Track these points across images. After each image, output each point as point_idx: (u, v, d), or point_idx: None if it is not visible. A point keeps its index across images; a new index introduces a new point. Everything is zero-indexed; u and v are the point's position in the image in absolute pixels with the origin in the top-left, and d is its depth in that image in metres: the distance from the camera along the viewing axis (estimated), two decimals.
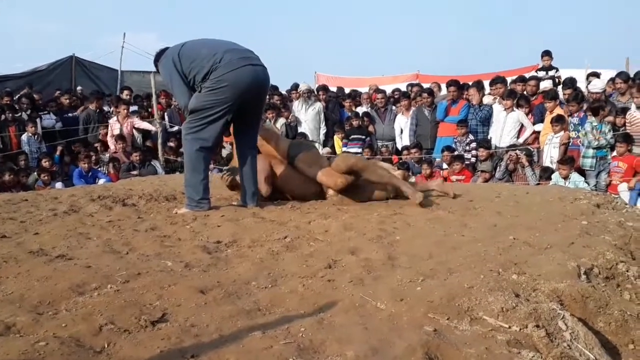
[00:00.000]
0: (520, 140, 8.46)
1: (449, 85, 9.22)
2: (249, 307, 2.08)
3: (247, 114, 4.32)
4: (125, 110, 10.07)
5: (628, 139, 7.36)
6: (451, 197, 4.70)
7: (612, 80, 8.71)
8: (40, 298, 2.15)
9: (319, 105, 10.17)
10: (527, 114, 8.58)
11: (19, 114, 10.11)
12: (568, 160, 7.47)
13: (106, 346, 1.74)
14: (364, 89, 12.27)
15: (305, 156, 4.74)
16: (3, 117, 9.85)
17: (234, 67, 4.03)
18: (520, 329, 1.85)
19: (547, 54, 10.27)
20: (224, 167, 5.85)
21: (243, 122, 4.39)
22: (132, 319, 1.93)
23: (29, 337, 1.77)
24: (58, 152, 9.87)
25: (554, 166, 7.80)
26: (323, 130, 10.15)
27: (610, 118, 7.68)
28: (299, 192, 4.76)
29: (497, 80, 9.28)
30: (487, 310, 1.97)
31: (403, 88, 11.60)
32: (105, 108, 11.03)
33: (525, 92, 8.99)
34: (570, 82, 8.98)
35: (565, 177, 7.34)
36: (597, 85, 8.62)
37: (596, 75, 9.80)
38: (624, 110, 7.70)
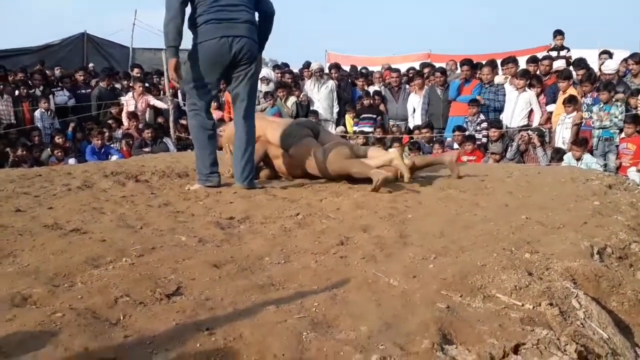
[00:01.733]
0: (534, 125, 8.39)
1: (462, 64, 9.15)
2: (262, 282, 2.09)
3: (235, 86, 4.30)
4: (141, 88, 10.10)
5: (637, 120, 7.27)
6: (456, 178, 4.63)
7: (625, 60, 8.59)
8: (56, 271, 2.17)
9: (331, 84, 10.11)
10: (538, 95, 8.49)
11: (33, 90, 10.16)
12: (581, 141, 7.40)
13: (122, 318, 1.75)
14: (374, 68, 12.16)
15: (296, 150, 4.60)
16: (17, 92, 9.90)
17: (209, 38, 4.07)
18: (534, 307, 1.84)
19: (559, 33, 10.11)
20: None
21: (234, 96, 4.34)
22: (147, 292, 1.95)
23: (45, 309, 1.79)
24: (70, 129, 9.92)
25: (565, 147, 7.74)
26: (336, 109, 10.10)
27: (621, 95, 7.58)
28: (297, 174, 4.74)
29: (509, 60, 9.16)
30: (500, 288, 1.97)
31: (417, 67, 11.48)
32: (117, 86, 11.04)
33: (538, 72, 8.89)
34: (581, 63, 8.87)
35: (578, 159, 7.28)
36: (609, 66, 8.49)
37: (608, 53, 9.66)
38: (639, 92, 7.62)
